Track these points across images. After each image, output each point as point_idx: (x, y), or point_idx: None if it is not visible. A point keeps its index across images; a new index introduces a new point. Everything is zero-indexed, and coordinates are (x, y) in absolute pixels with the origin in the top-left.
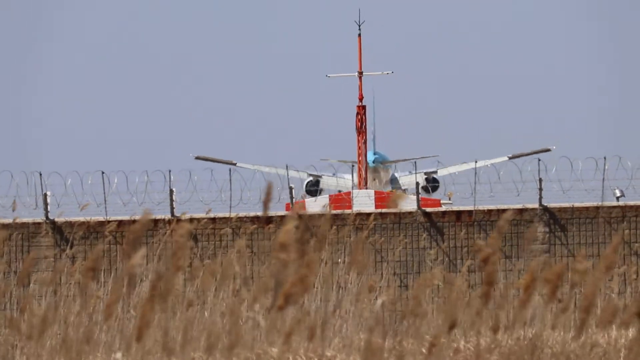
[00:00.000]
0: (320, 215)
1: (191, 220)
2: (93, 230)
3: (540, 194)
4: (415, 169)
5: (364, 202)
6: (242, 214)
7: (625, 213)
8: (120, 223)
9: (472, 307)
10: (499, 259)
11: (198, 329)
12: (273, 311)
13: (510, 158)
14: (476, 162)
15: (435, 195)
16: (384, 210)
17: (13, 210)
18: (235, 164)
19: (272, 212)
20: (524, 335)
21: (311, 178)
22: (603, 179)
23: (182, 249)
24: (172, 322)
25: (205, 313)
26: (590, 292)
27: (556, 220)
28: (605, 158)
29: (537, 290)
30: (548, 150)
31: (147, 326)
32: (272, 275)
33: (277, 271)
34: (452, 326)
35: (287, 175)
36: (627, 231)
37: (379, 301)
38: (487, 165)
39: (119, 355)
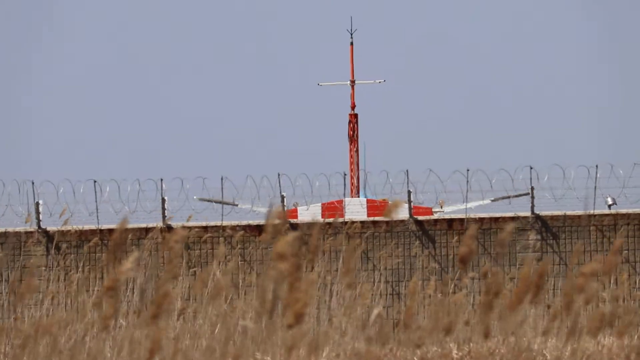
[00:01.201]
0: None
1: (183, 228)
2: (85, 238)
3: (532, 202)
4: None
5: (356, 210)
6: (234, 223)
7: (617, 221)
8: (112, 231)
9: (464, 314)
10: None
11: (190, 338)
12: (270, 323)
13: (492, 201)
14: (466, 204)
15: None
16: (376, 218)
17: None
18: (237, 205)
19: (263, 221)
20: (517, 342)
21: None
22: (595, 187)
23: (177, 257)
24: (166, 331)
25: (198, 322)
26: (588, 298)
27: (548, 228)
28: (597, 166)
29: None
30: (527, 194)
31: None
32: (270, 288)
33: (275, 283)
34: (446, 333)
35: (280, 186)
36: (620, 239)
37: (375, 311)
38: (471, 207)
39: None
